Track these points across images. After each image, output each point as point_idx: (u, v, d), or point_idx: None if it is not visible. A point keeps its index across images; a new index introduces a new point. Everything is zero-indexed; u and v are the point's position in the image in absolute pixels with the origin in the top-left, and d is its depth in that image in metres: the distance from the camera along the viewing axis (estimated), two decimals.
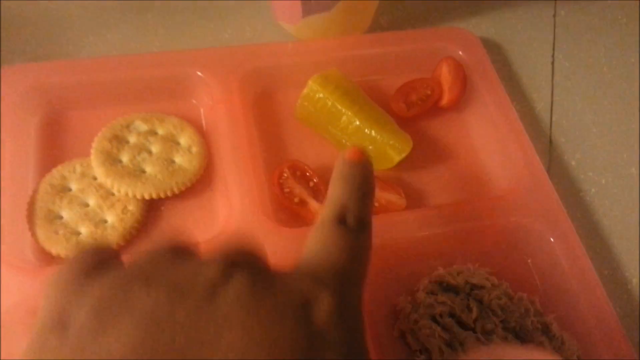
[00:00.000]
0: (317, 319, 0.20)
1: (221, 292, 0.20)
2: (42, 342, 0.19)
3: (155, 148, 0.40)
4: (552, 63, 0.54)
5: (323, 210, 0.25)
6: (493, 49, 0.53)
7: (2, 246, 0.34)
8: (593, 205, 0.45)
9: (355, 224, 0.24)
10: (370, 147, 0.41)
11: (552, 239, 0.39)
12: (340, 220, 0.24)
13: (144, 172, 0.39)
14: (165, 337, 0.19)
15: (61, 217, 0.37)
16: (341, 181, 0.26)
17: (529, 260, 0.40)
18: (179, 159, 0.40)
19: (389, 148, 0.40)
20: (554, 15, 0.58)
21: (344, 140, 0.42)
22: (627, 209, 0.45)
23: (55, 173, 0.38)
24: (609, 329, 0.36)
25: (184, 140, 0.41)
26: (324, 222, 0.24)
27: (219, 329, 0.19)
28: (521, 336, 0.35)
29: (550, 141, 0.48)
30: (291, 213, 0.39)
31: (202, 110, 0.44)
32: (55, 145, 0.41)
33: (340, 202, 0.25)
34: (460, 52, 0.48)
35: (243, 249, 0.22)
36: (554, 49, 0.55)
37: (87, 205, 0.37)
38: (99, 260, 0.22)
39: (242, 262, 0.22)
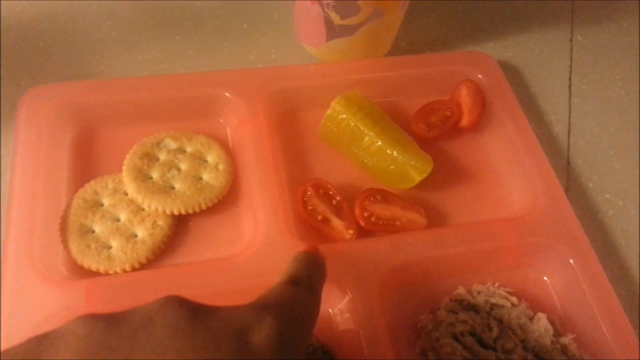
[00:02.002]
0: (256, 344, 0.21)
1: (157, 320, 0.21)
2: None
3: (184, 165, 0.41)
4: (569, 86, 0.55)
5: (278, 279, 0.28)
6: (511, 72, 0.54)
7: (35, 259, 0.36)
8: (610, 226, 0.45)
9: (305, 286, 0.27)
10: (392, 167, 0.42)
11: (571, 260, 0.39)
12: (292, 283, 0.27)
13: (173, 188, 0.40)
14: None
15: (93, 231, 0.38)
16: (294, 261, 0.29)
17: (548, 281, 0.41)
18: (206, 176, 0.41)
19: (410, 168, 0.41)
20: (571, 40, 0.59)
21: (366, 160, 0.43)
22: None
23: (88, 188, 0.40)
24: (628, 350, 0.36)
25: (211, 157, 0.42)
26: (277, 283, 0.27)
27: (152, 354, 0.19)
28: (541, 356, 0.36)
29: (568, 162, 0.49)
30: (314, 230, 0.40)
31: (228, 129, 0.46)
32: (88, 161, 0.43)
33: (292, 272, 0.28)
34: (479, 75, 0.49)
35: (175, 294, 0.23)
36: (570, 72, 0.56)
37: (118, 219, 0.39)
38: None
39: (177, 297, 0.22)
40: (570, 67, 0.56)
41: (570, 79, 0.55)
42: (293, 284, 0.27)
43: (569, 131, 0.51)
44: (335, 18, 0.45)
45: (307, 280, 0.28)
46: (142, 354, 0.19)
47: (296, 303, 0.25)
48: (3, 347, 0.31)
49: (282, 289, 0.26)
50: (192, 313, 0.21)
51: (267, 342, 0.21)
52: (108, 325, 0.20)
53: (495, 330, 0.36)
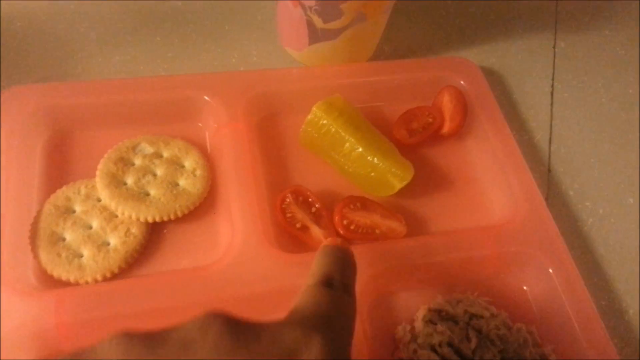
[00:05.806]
0: None
1: (199, 341, 0.20)
2: None
3: (160, 171, 0.40)
4: (552, 93, 0.55)
5: (307, 280, 0.26)
6: (494, 78, 0.54)
7: (3, 268, 0.34)
8: (590, 235, 0.45)
9: (340, 287, 0.26)
10: (372, 174, 0.41)
11: (550, 269, 0.39)
12: (327, 284, 0.25)
13: (148, 194, 0.39)
14: None
15: (64, 239, 0.37)
16: (324, 257, 0.28)
17: (527, 290, 0.40)
18: (183, 182, 0.40)
19: (390, 175, 0.41)
20: (554, 47, 0.59)
21: (346, 167, 0.42)
22: (624, 239, 0.45)
23: (60, 194, 0.39)
24: None
25: (188, 163, 0.41)
26: (310, 286, 0.25)
27: None
28: None
29: (549, 170, 0.49)
30: (293, 238, 0.40)
31: (207, 133, 0.45)
32: (61, 166, 0.41)
33: (324, 271, 0.26)
34: (462, 81, 0.49)
35: (218, 309, 0.22)
36: (553, 80, 0.56)
37: (90, 227, 0.38)
38: None
39: (220, 314, 0.21)
40: (553, 75, 0.56)
41: (552, 86, 0.55)
42: (327, 286, 0.25)
43: (550, 139, 0.51)
44: (317, 21, 0.45)
45: (341, 280, 0.26)
46: None
47: (338, 311, 0.24)
48: None
49: (318, 294, 0.24)
50: (236, 333, 0.20)
51: None
52: (145, 347, 0.19)
53: (474, 341, 0.35)
